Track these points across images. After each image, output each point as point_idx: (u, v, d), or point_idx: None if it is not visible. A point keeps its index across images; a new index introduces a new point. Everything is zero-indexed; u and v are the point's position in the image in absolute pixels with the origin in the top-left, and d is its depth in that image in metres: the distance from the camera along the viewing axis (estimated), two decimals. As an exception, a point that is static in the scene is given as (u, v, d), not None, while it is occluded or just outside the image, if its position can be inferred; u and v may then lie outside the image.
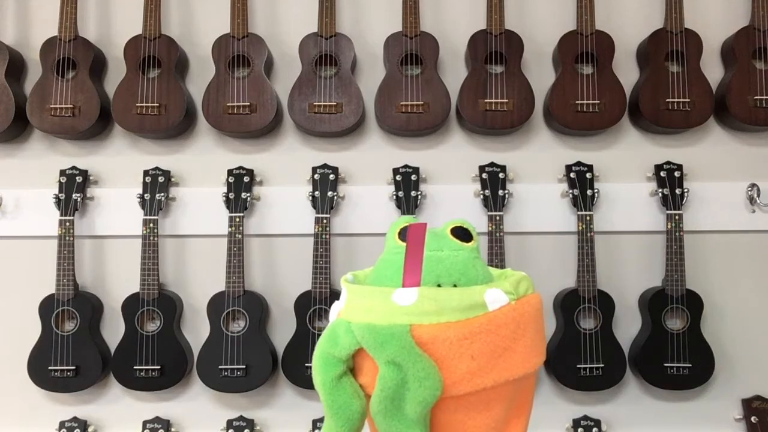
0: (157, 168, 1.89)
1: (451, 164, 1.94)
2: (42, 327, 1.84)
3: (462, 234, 0.99)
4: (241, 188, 1.87)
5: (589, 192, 1.83)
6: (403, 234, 0.96)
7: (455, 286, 0.88)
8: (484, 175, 1.86)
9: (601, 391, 1.84)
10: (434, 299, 0.81)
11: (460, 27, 1.95)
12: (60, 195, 1.88)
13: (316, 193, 1.86)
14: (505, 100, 1.81)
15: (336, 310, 0.88)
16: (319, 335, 1.81)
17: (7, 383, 1.94)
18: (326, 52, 1.86)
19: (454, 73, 1.93)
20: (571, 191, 1.85)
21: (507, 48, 1.84)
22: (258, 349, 1.83)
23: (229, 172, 1.88)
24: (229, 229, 1.84)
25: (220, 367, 1.81)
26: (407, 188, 1.85)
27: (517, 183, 1.92)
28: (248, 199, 1.87)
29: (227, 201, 1.87)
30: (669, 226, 1.81)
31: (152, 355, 1.83)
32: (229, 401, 1.93)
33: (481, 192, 1.85)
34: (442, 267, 0.92)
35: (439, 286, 0.89)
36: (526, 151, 1.95)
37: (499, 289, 0.84)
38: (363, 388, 0.80)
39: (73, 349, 1.83)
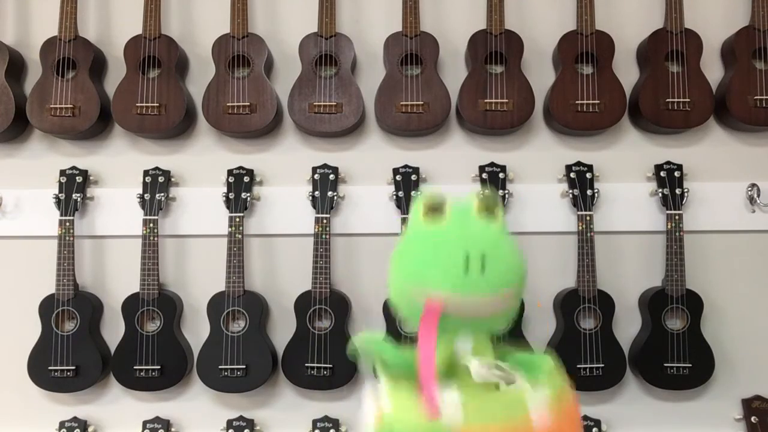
0: (157, 168, 1.89)
1: (451, 164, 1.94)
2: (42, 327, 1.84)
3: (491, 208, 1.00)
4: (241, 188, 1.87)
5: (589, 192, 1.83)
6: (429, 211, 0.98)
7: (484, 262, 0.92)
8: (484, 175, 1.86)
9: (601, 391, 1.84)
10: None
11: (460, 27, 1.95)
12: (60, 195, 1.88)
13: (316, 193, 1.86)
14: (505, 100, 1.81)
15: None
16: (319, 335, 1.81)
17: (7, 383, 1.94)
18: (326, 52, 1.86)
19: (454, 73, 1.93)
20: (571, 191, 1.85)
21: (507, 48, 1.84)
22: (258, 349, 1.83)
23: (229, 172, 1.88)
24: (229, 229, 1.84)
25: (220, 367, 1.81)
26: (407, 188, 1.85)
27: (517, 183, 1.92)
28: (248, 199, 1.87)
29: (227, 201, 1.87)
30: (669, 226, 1.81)
31: (152, 355, 1.83)
32: (229, 401, 1.93)
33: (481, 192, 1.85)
34: (470, 243, 0.94)
35: (467, 261, 0.92)
36: (526, 151, 1.95)
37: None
38: None
39: (73, 349, 1.83)
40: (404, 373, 1.01)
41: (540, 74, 1.92)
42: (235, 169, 1.89)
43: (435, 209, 1.00)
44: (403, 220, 1.83)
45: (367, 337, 1.04)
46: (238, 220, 1.84)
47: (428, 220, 0.99)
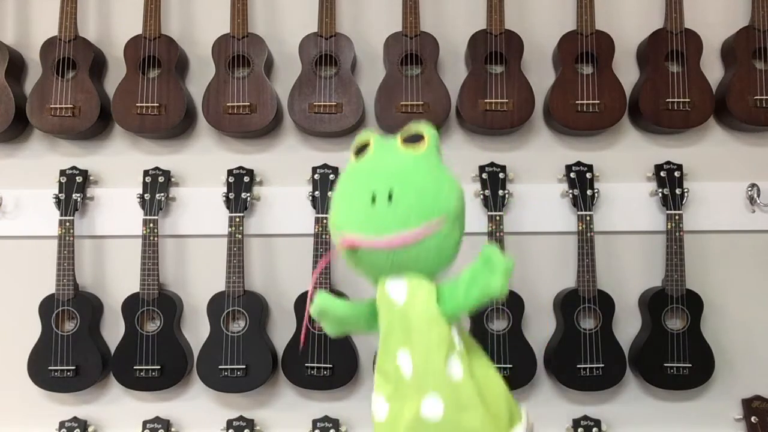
0: (157, 168, 1.89)
1: (451, 164, 1.90)
2: (42, 327, 1.84)
3: (414, 140, 0.97)
4: (241, 188, 1.87)
5: (589, 192, 1.83)
6: (358, 151, 0.98)
7: (391, 193, 0.90)
8: (484, 175, 1.86)
9: (601, 391, 1.84)
10: None
11: (460, 27, 1.95)
12: (60, 195, 1.88)
13: (316, 193, 1.86)
14: (505, 100, 1.81)
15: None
16: (319, 335, 1.81)
17: (7, 383, 1.94)
18: (326, 52, 1.86)
19: (454, 73, 1.93)
20: (571, 191, 1.85)
21: (507, 48, 1.84)
22: (258, 349, 1.83)
23: (229, 172, 1.88)
24: (229, 229, 1.84)
25: (220, 367, 1.81)
26: (407, 188, 1.85)
27: (517, 183, 1.92)
28: (248, 199, 1.87)
29: (227, 201, 1.86)
30: (669, 226, 1.81)
31: (152, 355, 1.83)
32: (229, 401, 1.93)
33: (481, 192, 1.85)
34: (379, 176, 0.92)
35: (373, 199, 0.90)
36: (526, 151, 1.95)
37: None
38: None
39: (73, 349, 1.83)
40: (355, 323, 1.05)
41: (540, 74, 1.92)
42: (235, 169, 1.89)
43: (364, 148, 0.99)
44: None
45: (322, 296, 1.05)
46: (238, 220, 1.84)
47: (356, 160, 0.99)
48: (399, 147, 0.97)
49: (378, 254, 0.94)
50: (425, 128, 0.98)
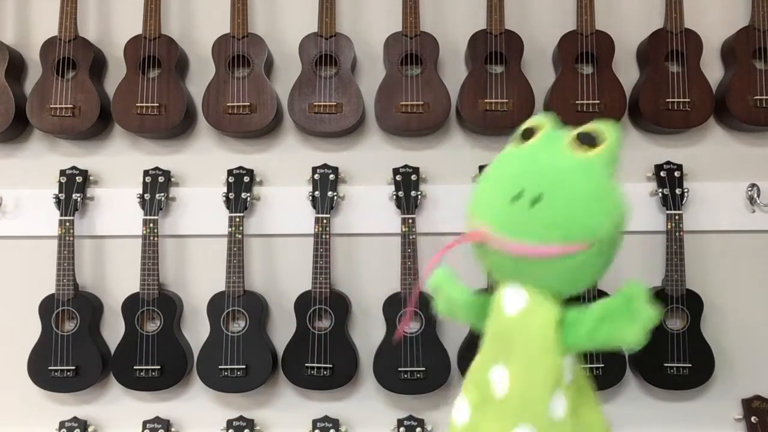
0: (157, 168, 1.89)
1: (452, 164, 1.94)
2: (42, 327, 1.84)
3: (590, 140, 0.81)
4: (241, 188, 1.87)
5: (589, 192, 1.83)
6: (525, 134, 0.85)
7: (538, 198, 0.77)
8: (485, 175, 1.85)
9: (601, 391, 1.84)
10: None
11: (460, 27, 1.95)
12: (60, 195, 1.87)
13: (316, 193, 1.86)
14: (505, 100, 1.81)
15: None
16: (319, 335, 1.81)
17: (7, 383, 1.94)
18: (326, 52, 1.86)
19: (454, 73, 1.93)
20: (571, 191, 1.84)
21: (507, 48, 1.84)
22: (258, 349, 1.83)
23: (229, 172, 1.88)
24: (229, 229, 1.84)
25: (220, 367, 1.81)
26: (407, 188, 1.85)
27: (517, 183, 1.92)
28: (248, 199, 1.87)
29: (227, 201, 1.86)
30: (669, 226, 1.81)
31: (152, 355, 1.83)
32: (229, 401, 1.93)
33: (482, 192, 1.84)
34: (532, 173, 0.79)
35: (518, 196, 0.77)
36: (526, 151, 1.94)
37: None
38: None
39: (73, 349, 1.83)
40: (465, 313, 0.98)
41: (540, 74, 1.92)
42: (235, 169, 1.89)
43: (532, 133, 0.87)
44: (403, 221, 1.83)
45: (442, 271, 0.99)
46: (238, 220, 1.84)
47: (518, 145, 0.87)
48: (568, 144, 0.83)
49: (504, 256, 0.83)
50: (609, 130, 0.82)
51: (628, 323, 0.80)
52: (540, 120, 0.88)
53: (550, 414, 0.83)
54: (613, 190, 0.82)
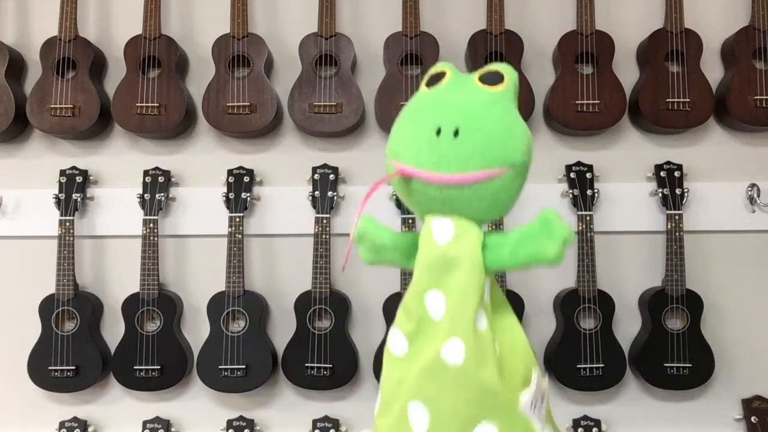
0: (157, 168, 1.89)
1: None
2: (42, 327, 1.84)
3: (493, 78, 0.89)
4: (241, 188, 1.87)
5: (589, 192, 1.83)
6: (431, 81, 0.93)
7: (458, 130, 0.85)
8: (484, 175, 1.85)
9: (601, 391, 1.84)
10: None
11: (460, 27, 1.95)
12: (60, 195, 1.88)
13: (316, 193, 1.86)
14: (505, 100, 1.81)
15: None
16: (319, 335, 1.81)
17: (7, 383, 1.94)
18: (326, 52, 1.86)
19: (454, 73, 1.93)
20: (571, 191, 1.85)
21: (507, 48, 1.84)
22: (258, 349, 1.83)
23: (229, 172, 1.88)
24: (229, 229, 1.84)
25: (220, 367, 1.81)
26: (407, 188, 1.85)
27: (517, 183, 1.92)
28: (248, 199, 1.87)
29: (227, 201, 1.86)
30: (669, 226, 1.81)
31: (152, 355, 1.83)
32: (229, 401, 1.93)
33: (481, 192, 1.84)
34: (448, 110, 0.87)
35: (438, 132, 0.86)
36: (526, 151, 1.94)
37: None
38: None
39: (73, 349, 1.83)
40: (392, 255, 1.03)
41: (540, 74, 1.92)
42: (235, 169, 1.89)
43: (439, 77, 0.94)
44: (403, 221, 1.83)
45: (365, 219, 1.03)
46: (238, 220, 1.84)
47: (427, 90, 0.94)
48: (475, 83, 0.90)
49: (430, 188, 0.89)
50: (505, 68, 0.90)
51: (548, 240, 0.88)
52: (443, 66, 0.96)
53: (476, 327, 0.90)
54: (520, 120, 0.90)
